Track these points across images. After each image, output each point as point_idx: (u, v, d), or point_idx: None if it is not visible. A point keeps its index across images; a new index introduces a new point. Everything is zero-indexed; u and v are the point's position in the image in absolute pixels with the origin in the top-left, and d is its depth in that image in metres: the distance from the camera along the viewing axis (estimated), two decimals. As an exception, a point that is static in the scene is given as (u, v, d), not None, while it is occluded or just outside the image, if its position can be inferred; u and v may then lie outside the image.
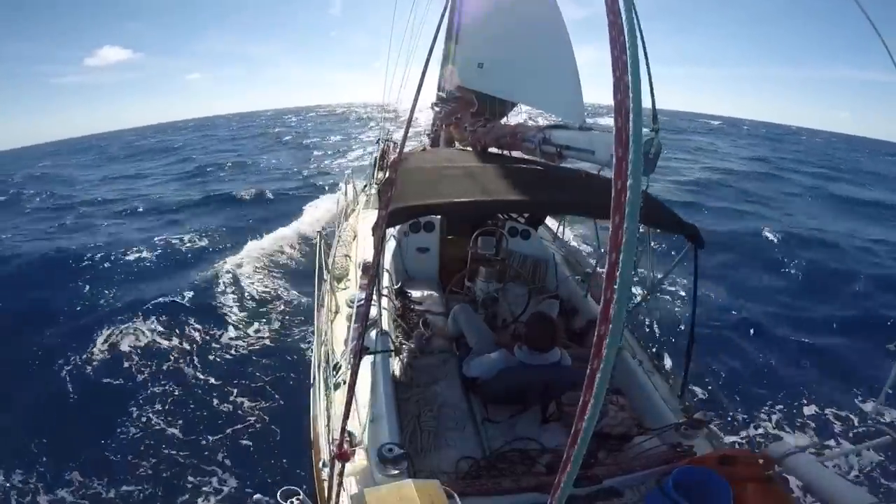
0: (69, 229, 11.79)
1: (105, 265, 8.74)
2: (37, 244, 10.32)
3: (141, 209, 13.46)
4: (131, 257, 9.07)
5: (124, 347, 5.83)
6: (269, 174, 18.25)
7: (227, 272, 7.87)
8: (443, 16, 2.03)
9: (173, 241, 9.85)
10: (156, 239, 10.03)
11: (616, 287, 0.56)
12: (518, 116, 5.54)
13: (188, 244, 9.79)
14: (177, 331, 6.20)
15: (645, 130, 2.21)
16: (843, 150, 42.36)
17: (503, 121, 5.06)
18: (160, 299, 6.95)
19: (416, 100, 1.47)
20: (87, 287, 7.70)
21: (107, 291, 7.53)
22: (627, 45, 0.56)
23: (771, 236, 10.39)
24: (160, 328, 6.25)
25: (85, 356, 5.68)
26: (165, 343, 5.96)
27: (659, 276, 3.07)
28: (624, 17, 0.57)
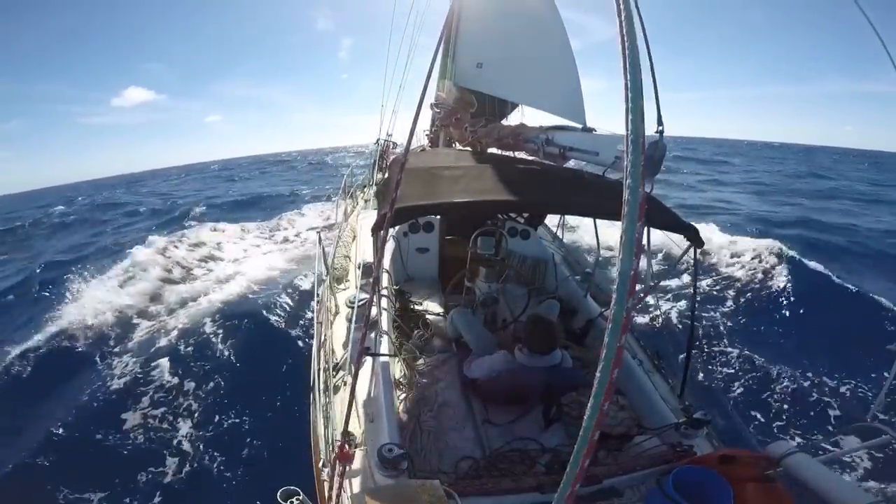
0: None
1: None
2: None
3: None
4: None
5: (118, 349, 5.82)
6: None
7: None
8: (443, 34, 2.03)
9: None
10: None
11: (617, 286, 0.57)
12: (518, 117, 5.54)
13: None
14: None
15: (650, 132, 2.21)
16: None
17: (503, 121, 5.06)
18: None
19: (419, 107, 1.47)
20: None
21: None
22: (627, 48, 0.56)
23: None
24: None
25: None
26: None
27: (659, 276, 3.07)
28: (625, 23, 0.57)
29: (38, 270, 9.73)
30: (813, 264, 8.19)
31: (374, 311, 2.79)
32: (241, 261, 8.90)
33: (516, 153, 4.11)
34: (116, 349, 5.88)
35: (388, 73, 6.48)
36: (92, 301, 6.98)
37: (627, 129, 0.57)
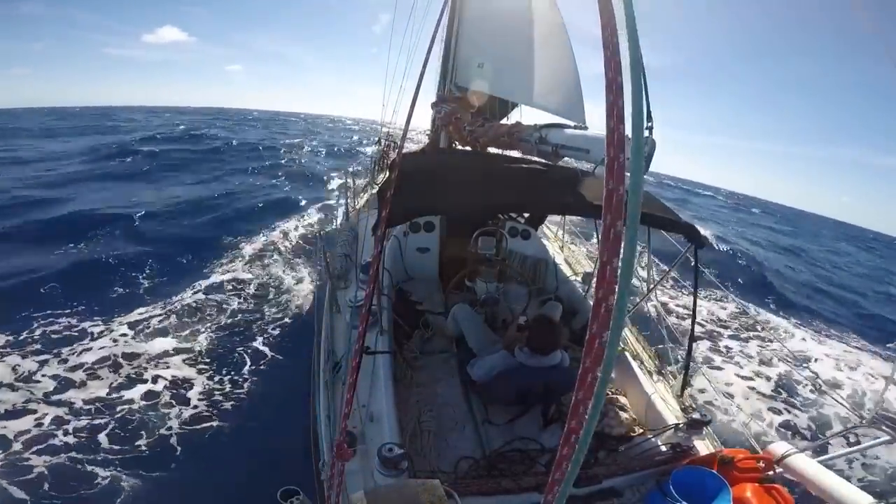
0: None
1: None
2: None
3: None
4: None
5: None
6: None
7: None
8: (439, 20, 2.03)
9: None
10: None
11: (616, 286, 0.57)
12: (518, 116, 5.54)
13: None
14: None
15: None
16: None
17: (503, 120, 5.06)
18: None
19: (413, 104, 1.47)
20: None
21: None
22: (620, 47, 0.56)
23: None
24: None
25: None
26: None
27: (658, 275, 3.07)
28: (617, 19, 0.57)
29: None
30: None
31: (374, 310, 2.79)
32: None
33: (512, 152, 4.11)
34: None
35: (389, 72, 6.49)
36: None
37: (610, 125, 0.56)
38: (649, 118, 2.31)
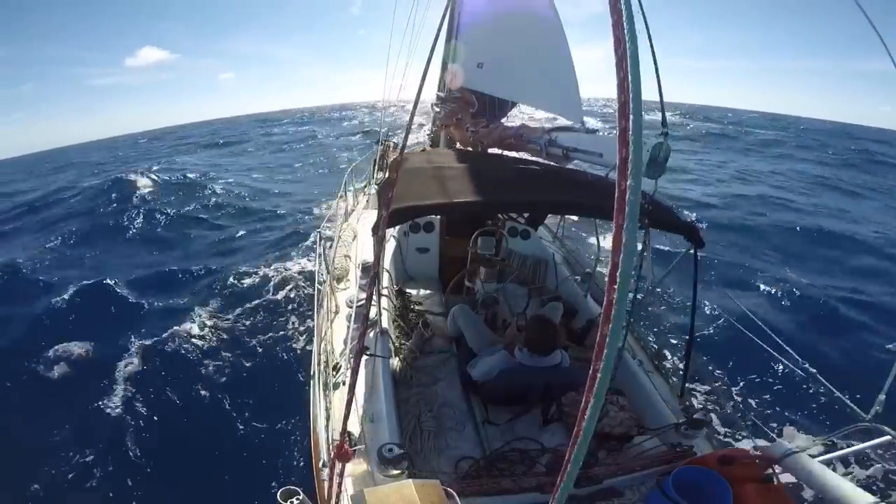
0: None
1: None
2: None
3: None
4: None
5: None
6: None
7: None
8: (443, 17, 2.03)
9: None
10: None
11: (616, 287, 0.56)
12: (518, 115, 5.53)
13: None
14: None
15: (653, 132, 2.19)
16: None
17: (503, 121, 5.05)
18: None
19: (416, 102, 1.47)
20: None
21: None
22: (628, 45, 0.55)
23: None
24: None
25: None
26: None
27: (659, 276, 3.07)
28: (625, 18, 0.57)
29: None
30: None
31: (373, 310, 2.79)
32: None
33: (518, 153, 4.10)
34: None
35: (389, 71, 6.47)
36: None
37: (622, 125, 0.56)
38: (664, 122, 2.28)
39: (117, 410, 4.80)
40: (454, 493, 1.64)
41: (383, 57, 6.04)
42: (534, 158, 3.73)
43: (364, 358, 1.78)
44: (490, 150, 4.51)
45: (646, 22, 2.07)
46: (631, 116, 0.55)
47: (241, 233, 10.41)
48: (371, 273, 1.64)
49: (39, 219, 13.31)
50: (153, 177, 16.06)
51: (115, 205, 13.06)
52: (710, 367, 5.28)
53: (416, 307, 3.71)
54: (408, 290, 3.96)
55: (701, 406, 2.71)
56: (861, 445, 2.05)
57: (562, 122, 3.87)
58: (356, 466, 2.06)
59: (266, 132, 41.35)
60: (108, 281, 7.56)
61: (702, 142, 28.05)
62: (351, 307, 3.07)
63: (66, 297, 7.10)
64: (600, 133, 3.12)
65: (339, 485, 1.62)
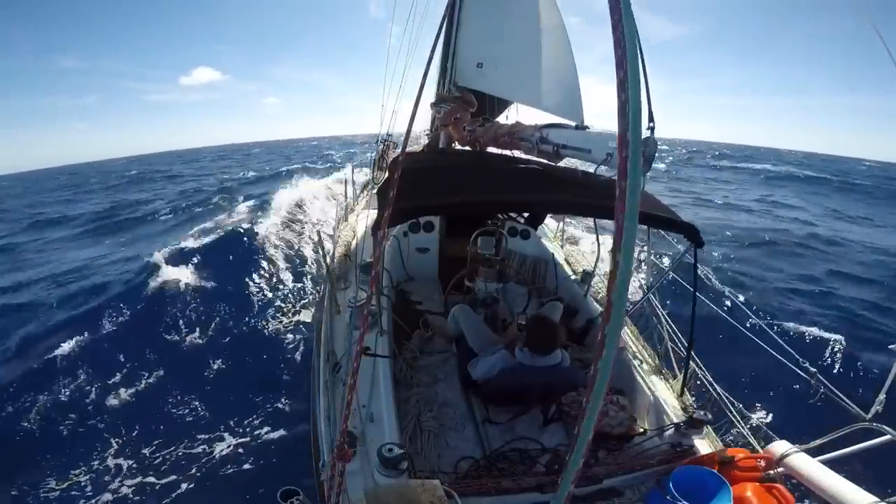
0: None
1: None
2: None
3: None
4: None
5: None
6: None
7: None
8: (444, 18, 2.03)
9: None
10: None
11: (616, 287, 0.57)
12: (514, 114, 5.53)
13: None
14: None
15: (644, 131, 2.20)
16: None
17: (501, 119, 5.05)
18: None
19: (416, 103, 1.47)
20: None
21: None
22: (628, 46, 0.56)
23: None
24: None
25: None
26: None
27: (658, 276, 3.07)
28: (625, 18, 0.57)
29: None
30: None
31: (373, 310, 2.79)
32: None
33: (512, 152, 4.10)
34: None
35: (389, 72, 6.47)
36: None
37: (622, 126, 0.56)
38: (651, 118, 2.30)
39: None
40: (454, 493, 1.64)
41: (408, 89, 6.00)
42: (532, 158, 3.73)
43: (364, 358, 1.78)
44: (488, 150, 4.51)
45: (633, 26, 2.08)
46: (630, 117, 0.55)
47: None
48: (371, 273, 1.64)
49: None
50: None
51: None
52: (710, 368, 5.28)
53: (416, 307, 3.71)
54: (408, 290, 3.95)
55: (701, 406, 2.70)
56: (861, 445, 2.05)
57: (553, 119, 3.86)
58: (356, 467, 2.06)
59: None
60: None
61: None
62: (351, 307, 3.07)
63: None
64: (589, 129, 3.12)
65: (339, 485, 1.62)
